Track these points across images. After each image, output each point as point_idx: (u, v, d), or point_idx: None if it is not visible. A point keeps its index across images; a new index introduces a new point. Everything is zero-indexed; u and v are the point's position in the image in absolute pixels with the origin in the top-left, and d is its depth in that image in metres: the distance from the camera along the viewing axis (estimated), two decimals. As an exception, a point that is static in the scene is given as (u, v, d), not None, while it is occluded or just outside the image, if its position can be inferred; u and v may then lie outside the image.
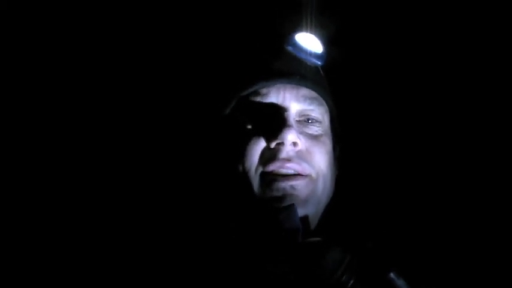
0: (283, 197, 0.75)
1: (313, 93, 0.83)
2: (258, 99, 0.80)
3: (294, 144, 0.76)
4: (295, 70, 0.82)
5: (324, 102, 0.85)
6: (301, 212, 0.74)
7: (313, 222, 0.79)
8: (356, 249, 0.67)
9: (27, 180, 1.00)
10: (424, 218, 1.00)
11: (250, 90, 0.80)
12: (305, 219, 0.76)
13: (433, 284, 0.74)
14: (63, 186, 1.00)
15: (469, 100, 1.08)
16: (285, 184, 0.75)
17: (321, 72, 0.89)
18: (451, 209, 1.02)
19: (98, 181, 1.00)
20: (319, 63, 0.85)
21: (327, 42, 0.85)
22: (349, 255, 0.66)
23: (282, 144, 0.76)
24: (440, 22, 1.10)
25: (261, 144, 0.77)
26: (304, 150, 0.78)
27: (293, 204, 0.73)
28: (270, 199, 0.74)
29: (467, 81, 1.10)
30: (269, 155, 0.76)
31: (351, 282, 0.64)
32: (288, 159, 0.76)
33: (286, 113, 0.79)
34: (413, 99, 1.12)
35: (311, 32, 0.85)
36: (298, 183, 0.76)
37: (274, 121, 0.77)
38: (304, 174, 0.77)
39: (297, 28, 0.85)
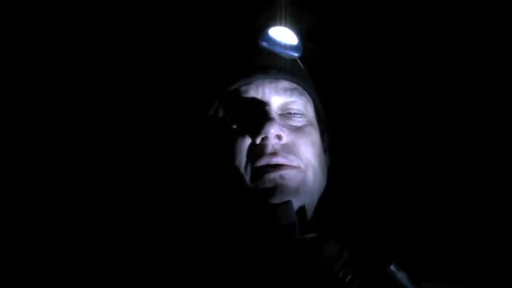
0: (274, 189, 0.74)
1: (293, 85, 0.82)
2: (239, 97, 0.80)
3: (278, 137, 0.76)
4: (271, 64, 0.82)
5: (306, 93, 0.85)
6: (295, 203, 0.73)
7: (309, 214, 0.78)
8: (354, 243, 0.66)
9: (27, 181, 1.00)
10: (423, 209, 0.99)
11: (230, 89, 0.80)
12: (300, 211, 0.75)
13: (434, 276, 0.71)
14: (55, 187, 0.99)
15: (451, 84, 1.09)
16: (275, 174, 0.74)
17: (300, 64, 0.88)
18: (450, 199, 1.01)
19: (90, 182, 1.00)
20: (296, 55, 0.84)
21: (301, 33, 0.84)
22: (347, 249, 0.64)
23: (266, 138, 0.75)
24: (417, 8, 1.10)
25: (247, 141, 0.76)
26: (290, 143, 0.78)
27: (289, 201, 0.72)
28: (262, 193, 0.74)
29: (450, 66, 1.10)
30: (256, 152, 0.76)
31: (349, 277, 0.61)
32: (274, 153, 0.75)
33: (267, 107, 0.79)
34: (400, 87, 1.12)
35: (284, 25, 0.84)
36: (287, 172, 0.75)
37: (256, 117, 0.77)
38: (291, 165, 0.76)
39: (270, 23, 0.84)
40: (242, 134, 0.77)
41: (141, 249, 0.71)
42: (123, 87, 1.08)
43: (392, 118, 1.10)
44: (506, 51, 1.05)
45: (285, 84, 0.81)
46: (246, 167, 0.75)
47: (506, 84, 1.05)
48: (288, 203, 0.71)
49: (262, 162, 0.75)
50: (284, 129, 0.77)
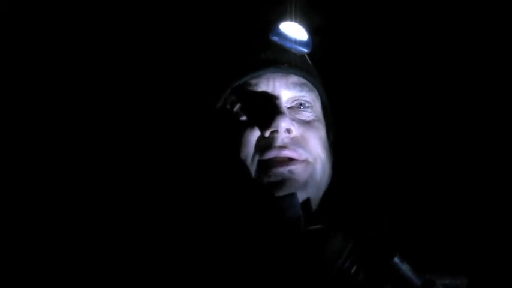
0: (282, 182, 0.74)
1: (302, 80, 0.83)
2: (249, 90, 0.80)
3: (288, 131, 0.76)
4: (282, 59, 0.82)
5: (314, 88, 0.85)
6: (301, 196, 0.74)
7: (314, 207, 0.78)
8: (358, 235, 0.66)
9: (27, 180, 1.00)
10: (427, 202, 0.99)
11: (241, 82, 0.81)
12: (305, 204, 0.75)
13: (438, 267, 0.72)
14: (57, 187, 1.00)
15: (456, 82, 1.09)
16: (283, 169, 0.75)
17: (308, 59, 0.89)
18: (453, 192, 1.02)
19: (94, 179, 1.01)
20: (306, 50, 0.84)
21: (312, 29, 0.85)
22: (351, 241, 0.64)
23: (276, 132, 0.76)
24: (426, 8, 1.10)
25: (256, 133, 0.77)
26: (299, 136, 0.78)
27: (294, 193, 0.72)
28: (269, 185, 0.74)
29: (456, 64, 1.11)
30: (264, 144, 0.76)
31: (354, 268, 0.62)
32: (284, 147, 0.76)
33: (277, 101, 0.79)
34: (404, 85, 1.12)
35: (295, 21, 0.85)
36: (296, 167, 0.76)
37: (266, 110, 0.78)
38: (300, 159, 0.77)
39: (281, 18, 0.85)
40: (251, 127, 0.77)
41: (146, 242, 0.72)
42: (131, 79, 1.08)
43: (396, 115, 1.11)
44: (506, 51, 1.05)
45: (295, 78, 0.82)
46: (253, 159, 0.76)
47: (507, 84, 1.05)
48: (293, 195, 0.71)
49: (271, 154, 0.75)
50: (294, 123, 0.77)
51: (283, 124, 0.75)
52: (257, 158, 0.76)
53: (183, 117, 0.89)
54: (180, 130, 0.90)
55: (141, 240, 0.73)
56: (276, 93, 0.80)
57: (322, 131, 0.83)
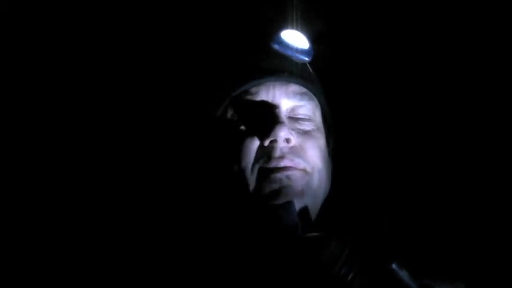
0: (279, 190, 0.75)
1: (303, 89, 0.83)
2: (249, 98, 0.81)
3: (287, 140, 0.77)
4: (283, 67, 0.82)
5: (315, 97, 0.86)
6: (298, 204, 0.74)
7: (312, 215, 0.79)
8: (356, 242, 0.67)
9: (27, 180, 1.01)
10: (425, 208, 0.99)
11: (241, 90, 0.81)
12: (303, 212, 0.76)
13: (436, 273, 0.73)
14: (57, 187, 1.01)
15: (458, 91, 1.09)
16: (281, 175, 0.75)
17: (309, 68, 0.89)
18: (452, 199, 1.02)
19: (94, 183, 1.01)
20: (307, 59, 0.85)
21: (313, 38, 0.85)
22: (348, 248, 0.65)
23: (275, 141, 0.76)
24: (429, 15, 1.10)
25: (255, 143, 0.77)
26: (297, 146, 0.79)
27: (291, 201, 0.73)
28: (267, 194, 0.75)
29: (459, 73, 1.11)
30: (263, 153, 0.77)
31: (351, 275, 0.63)
32: (282, 157, 0.76)
33: (277, 110, 0.79)
34: (405, 92, 1.12)
35: (296, 29, 0.85)
36: (294, 173, 0.76)
37: (266, 119, 0.78)
38: (298, 168, 0.77)
39: (282, 26, 0.85)
40: (250, 136, 0.77)
41: (142, 250, 0.73)
42: (131, 85, 1.09)
43: (396, 121, 1.11)
44: (506, 51, 1.05)
45: (295, 88, 0.82)
46: (253, 168, 0.76)
47: (506, 85, 1.05)
48: (290, 203, 0.72)
49: (271, 165, 0.76)
50: (293, 132, 0.78)
51: (281, 134, 0.75)
52: (257, 167, 0.76)
53: (183, 125, 0.89)
54: (180, 138, 0.90)
55: (142, 247, 0.74)
56: (275, 102, 0.80)
57: (321, 140, 0.84)
